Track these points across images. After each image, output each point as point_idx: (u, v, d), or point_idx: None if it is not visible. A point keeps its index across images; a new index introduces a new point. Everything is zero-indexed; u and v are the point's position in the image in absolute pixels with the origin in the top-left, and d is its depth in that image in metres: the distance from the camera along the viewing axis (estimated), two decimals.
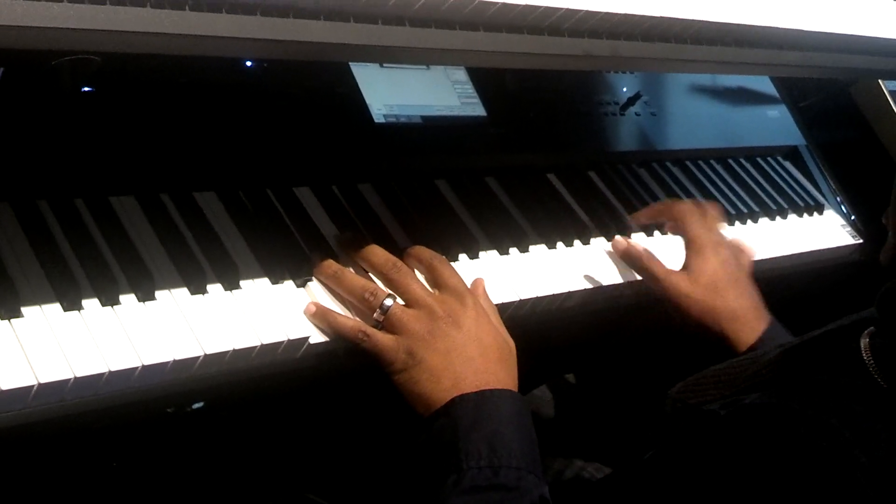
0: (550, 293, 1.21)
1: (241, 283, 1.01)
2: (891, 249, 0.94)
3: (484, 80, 1.36)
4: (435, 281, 1.07)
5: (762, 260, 1.49)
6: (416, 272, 1.08)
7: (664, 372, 1.27)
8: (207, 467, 1.22)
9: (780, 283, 1.56)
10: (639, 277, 1.30)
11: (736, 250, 1.30)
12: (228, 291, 1.00)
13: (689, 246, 1.26)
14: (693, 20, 1.07)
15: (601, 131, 1.50)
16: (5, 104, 0.95)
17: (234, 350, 0.95)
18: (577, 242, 1.31)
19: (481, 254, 1.21)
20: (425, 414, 1.00)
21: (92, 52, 0.88)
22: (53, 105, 0.99)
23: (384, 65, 1.27)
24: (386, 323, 1.02)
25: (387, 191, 1.22)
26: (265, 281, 1.03)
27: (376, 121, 1.23)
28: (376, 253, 1.08)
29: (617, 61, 1.08)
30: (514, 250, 1.24)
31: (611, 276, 1.29)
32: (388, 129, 1.23)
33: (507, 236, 1.25)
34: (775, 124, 1.77)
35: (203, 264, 1.01)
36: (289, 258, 1.06)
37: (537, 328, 1.12)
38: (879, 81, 1.72)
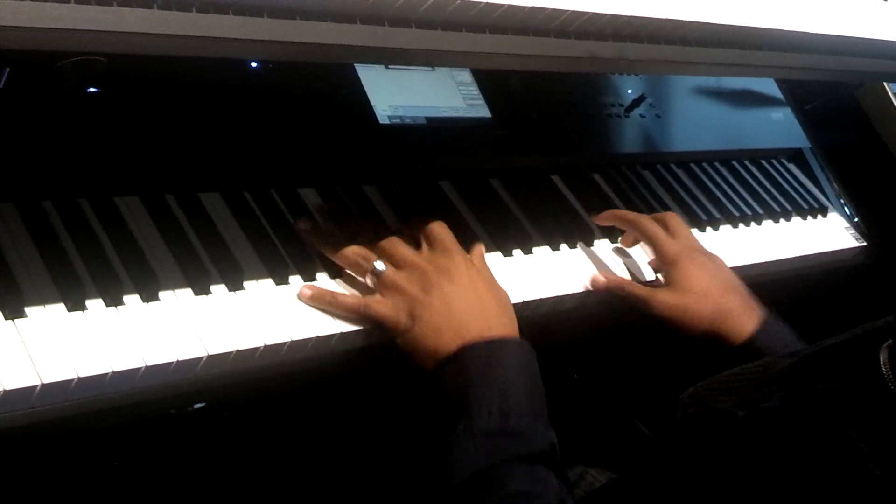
0: (554, 295, 1.21)
1: (245, 283, 1.01)
2: None
3: (489, 81, 1.36)
4: (423, 240, 1.09)
5: (766, 262, 1.50)
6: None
7: (668, 374, 1.27)
8: (209, 468, 1.22)
9: (783, 285, 1.56)
10: (642, 279, 1.30)
11: (707, 252, 1.30)
12: (232, 292, 1.00)
13: (664, 260, 1.27)
14: (698, 22, 1.07)
15: (605, 133, 1.50)
16: (11, 105, 0.95)
17: (238, 351, 0.95)
18: (580, 244, 1.31)
19: (485, 255, 1.20)
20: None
21: (98, 53, 0.88)
22: (59, 106, 0.98)
23: (389, 66, 1.27)
24: (381, 287, 1.04)
25: (391, 192, 1.22)
26: (269, 282, 1.03)
27: (381, 122, 1.23)
28: (361, 224, 1.10)
29: (622, 63, 1.08)
30: (517, 252, 1.24)
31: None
32: (393, 130, 1.23)
33: (511, 238, 1.24)
34: (780, 127, 1.77)
35: (207, 265, 1.01)
36: (293, 259, 1.05)
37: (540, 330, 1.12)
38: (884, 84, 1.72)
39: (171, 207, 1.04)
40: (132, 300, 0.94)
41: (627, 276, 1.30)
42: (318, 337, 1.01)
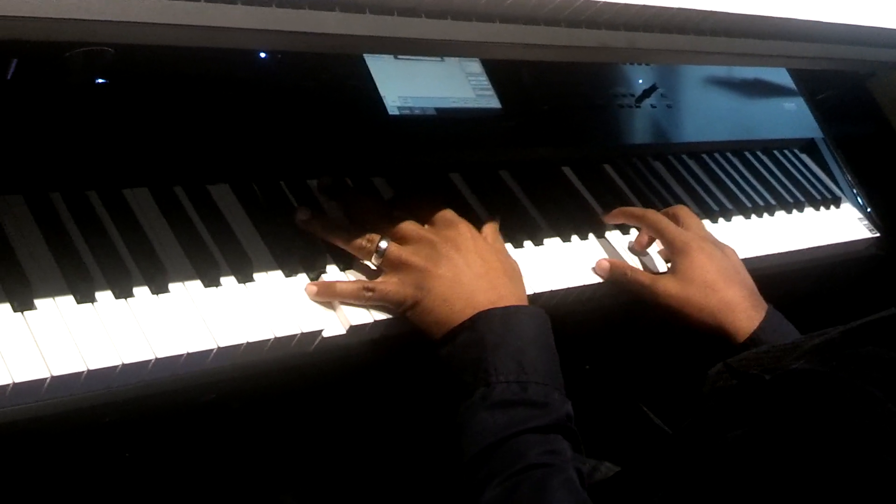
0: (565, 287, 1.20)
1: (255, 275, 1.01)
2: None
3: (499, 72, 1.35)
4: (426, 217, 1.09)
5: (779, 254, 1.49)
6: None
7: (682, 366, 1.26)
8: (220, 459, 1.22)
9: (796, 276, 1.55)
10: (655, 271, 1.30)
11: (719, 243, 1.29)
12: (242, 284, 1.00)
13: (671, 249, 1.26)
14: (711, 11, 1.06)
15: (616, 124, 1.49)
16: (19, 96, 0.95)
17: (248, 343, 0.95)
18: (591, 236, 1.31)
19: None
20: None
21: (105, 43, 0.88)
22: (66, 97, 0.98)
23: (399, 57, 1.26)
24: (386, 264, 1.04)
25: (400, 184, 1.21)
26: (279, 274, 1.03)
27: (390, 113, 1.22)
28: (364, 202, 1.11)
29: (633, 53, 1.08)
30: (528, 244, 1.24)
31: None
32: (403, 121, 1.23)
33: (522, 230, 1.24)
34: (792, 117, 1.76)
35: (216, 257, 1.00)
36: (302, 251, 1.05)
37: (552, 322, 1.12)
38: None
39: (179, 199, 1.04)
40: (141, 292, 0.94)
41: (638, 267, 1.29)
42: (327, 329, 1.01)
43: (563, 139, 1.41)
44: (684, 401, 1.05)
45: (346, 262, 1.07)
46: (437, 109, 1.27)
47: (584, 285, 1.23)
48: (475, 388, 0.96)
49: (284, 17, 0.78)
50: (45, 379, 0.83)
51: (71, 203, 0.97)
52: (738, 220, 1.51)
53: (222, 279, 0.99)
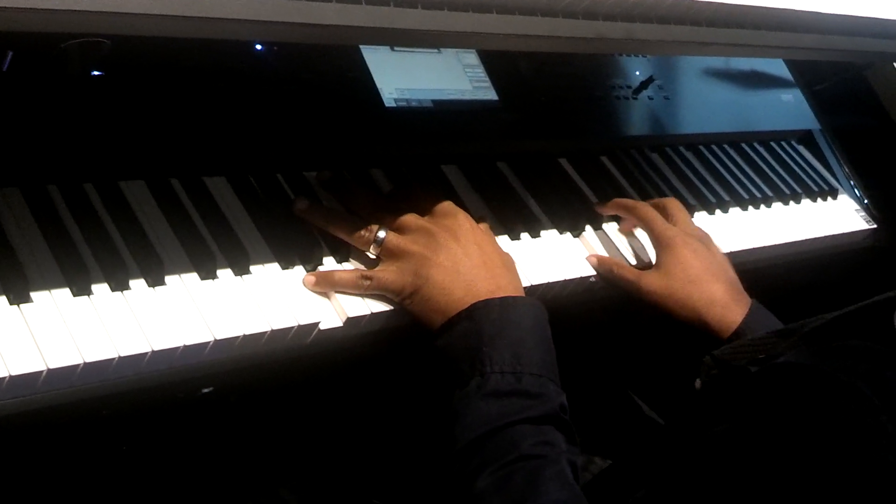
0: (562, 279, 1.20)
1: (252, 268, 1.01)
2: None
3: (496, 63, 1.35)
4: (425, 208, 1.09)
5: (776, 245, 1.49)
6: None
7: (674, 360, 1.26)
8: (217, 452, 1.22)
9: (793, 267, 1.55)
10: (651, 263, 1.30)
11: (705, 238, 1.29)
12: (239, 277, 1.00)
13: (657, 244, 1.26)
14: (708, 2, 1.06)
15: (614, 116, 1.49)
16: (15, 88, 0.95)
17: (245, 335, 0.94)
18: (588, 228, 1.30)
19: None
20: None
21: (101, 34, 0.88)
22: (63, 89, 0.98)
23: (395, 48, 1.26)
24: (384, 253, 1.04)
25: (398, 175, 1.21)
26: (275, 266, 1.03)
27: (387, 105, 1.22)
28: (362, 193, 1.11)
29: (631, 44, 1.07)
30: (525, 235, 1.24)
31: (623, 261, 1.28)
32: (399, 113, 1.23)
33: (519, 221, 1.24)
34: (789, 108, 1.76)
35: (213, 249, 1.00)
36: (299, 244, 1.05)
37: (549, 314, 1.11)
38: (894, 64, 1.71)
39: (176, 192, 1.04)
40: (138, 285, 0.93)
41: (633, 261, 1.29)
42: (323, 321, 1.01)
43: (561, 131, 1.41)
44: (678, 392, 1.06)
45: (343, 254, 1.07)
46: (433, 101, 1.26)
47: (581, 277, 1.23)
48: (470, 378, 0.96)
49: (281, 8, 0.78)
50: (42, 372, 0.83)
51: (67, 195, 0.97)
52: (735, 211, 1.51)
53: (219, 272, 0.98)
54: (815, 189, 1.66)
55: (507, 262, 1.09)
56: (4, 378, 0.82)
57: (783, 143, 1.74)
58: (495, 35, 0.93)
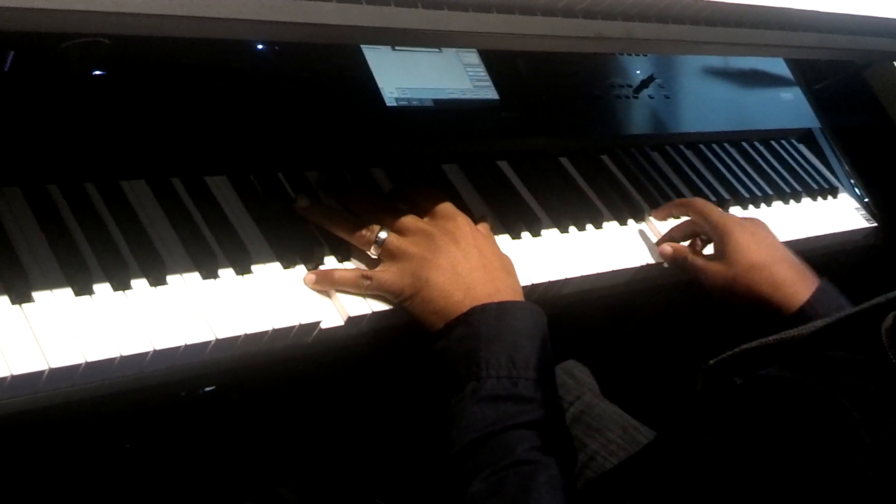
0: (563, 277, 1.20)
1: (253, 267, 1.01)
2: None
3: (496, 63, 1.35)
4: (425, 210, 1.09)
5: None
6: None
7: (677, 356, 1.26)
8: (219, 450, 1.22)
9: None
10: (651, 261, 1.30)
11: (760, 224, 1.32)
12: (240, 276, 1.00)
13: (717, 233, 1.28)
14: (707, 1, 1.06)
15: (614, 115, 1.49)
16: (16, 88, 0.95)
17: (246, 335, 0.95)
18: (589, 227, 1.31)
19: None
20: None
21: (102, 34, 0.87)
22: (63, 88, 0.98)
23: (396, 48, 1.26)
24: (385, 254, 1.05)
25: (399, 175, 1.21)
26: (277, 265, 1.03)
27: (388, 104, 1.22)
28: (363, 194, 1.11)
29: (631, 43, 1.07)
30: (526, 234, 1.24)
31: (624, 260, 1.28)
32: (400, 112, 1.23)
33: (520, 220, 1.24)
34: (789, 107, 1.76)
35: (214, 249, 1.00)
36: (300, 243, 1.05)
37: (549, 313, 1.12)
38: (894, 63, 1.71)
39: (177, 191, 1.04)
40: (139, 284, 0.94)
41: (633, 261, 1.29)
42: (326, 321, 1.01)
43: (561, 130, 1.41)
44: (675, 397, 1.06)
45: (343, 254, 1.07)
46: (434, 100, 1.26)
47: (582, 276, 1.23)
48: (467, 382, 0.97)
49: (281, 8, 0.78)
50: (44, 371, 0.83)
51: (68, 195, 0.97)
52: (735, 210, 1.51)
53: (220, 271, 0.99)
54: (816, 187, 1.67)
55: (507, 266, 1.09)
56: (7, 378, 0.82)
57: (783, 141, 1.74)
58: (495, 34, 0.93)
